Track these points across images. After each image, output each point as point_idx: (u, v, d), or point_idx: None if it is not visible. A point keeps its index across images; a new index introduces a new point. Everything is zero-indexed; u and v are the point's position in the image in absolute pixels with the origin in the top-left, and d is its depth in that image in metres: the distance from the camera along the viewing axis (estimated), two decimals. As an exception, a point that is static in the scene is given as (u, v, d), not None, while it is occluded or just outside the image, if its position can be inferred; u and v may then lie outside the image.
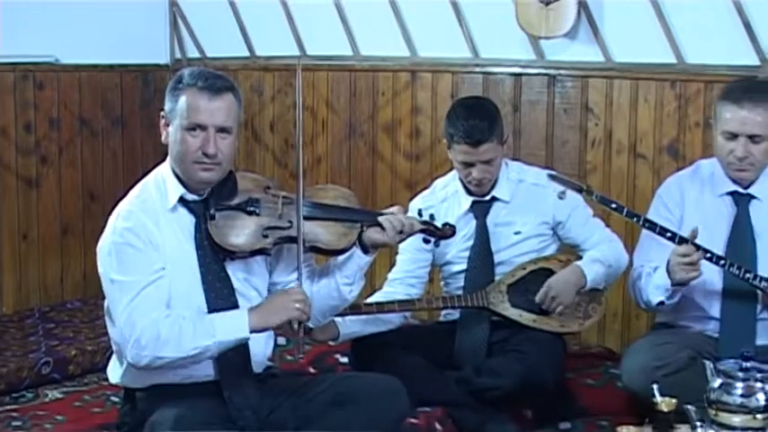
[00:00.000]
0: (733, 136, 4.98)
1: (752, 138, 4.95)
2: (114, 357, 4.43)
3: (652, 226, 4.90)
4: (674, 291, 4.92)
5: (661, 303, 5.00)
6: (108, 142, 7.32)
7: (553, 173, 5.13)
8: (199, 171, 4.26)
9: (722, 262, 4.90)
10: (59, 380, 5.77)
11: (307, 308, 4.24)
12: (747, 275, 4.91)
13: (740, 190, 5.14)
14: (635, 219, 4.92)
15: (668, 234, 4.84)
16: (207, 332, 4.13)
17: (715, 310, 5.13)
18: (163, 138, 4.36)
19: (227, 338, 4.13)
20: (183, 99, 4.24)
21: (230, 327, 4.16)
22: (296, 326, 4.26)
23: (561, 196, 4.95)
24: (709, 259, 4.86)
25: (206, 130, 4.23)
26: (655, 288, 4.99)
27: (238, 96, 4.38)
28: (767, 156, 5.02)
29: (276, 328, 4.35)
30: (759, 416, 3.65)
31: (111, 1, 7.15)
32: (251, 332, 4.17)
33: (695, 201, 5.20)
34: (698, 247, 4.77)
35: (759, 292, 4.98)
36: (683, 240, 4.79)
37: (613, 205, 4.96)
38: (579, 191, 4.97)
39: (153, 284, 4.15)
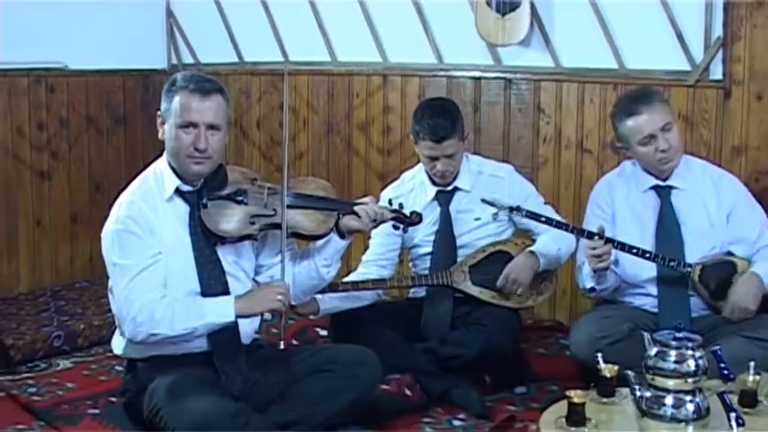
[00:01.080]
0: (652, 137, 5.02)
1: (664, 129, 5.01)
2: (117, 331, 4.45)
3: (578, 231, 5.03)
4: (599, 277, 5.01)
5: (593, 289, 5.11)
6: (112, 139, 7.32)
7: (485, 198, 5.14)
8: (191, 164, 4.31)
9: (634, 251, 4.99)
10: (69, 351, 5.78)
11: (287, 299, 4.30)
12: (671, 263, 5.02)
13: (661, 183, 5.19)
14: (563, 227, 5.05)
15: (585, 233, 4.96)
16: (197, 314, 4.19)
17: (653, 289, 5.18)
18: (160, 134, 4.40)
19: (214, 321, 4.20)
20: (176, 100, 4.29)
21: (218, 311, 4.22)
22: (277, 316, 4.37)
23: (494, 217, 5.11)
24: (636, 254, 4.96)
25: (197, 127, 4.28)
26: (585, 276, 5.10)
27: (227, 97, 4.43)
28: (680, 138, 5.13)
29: (257, 315, 4.40)
30: (690, 379, 3.67)
31: (114, 12, 7.15)
32: (236, 317, 4.23)
33: (624, 198, 5.25)
34: (607, 241, 4.85)
35: (687, 272, 5.06)
36: (591, 236, 4.87)
37: (542, 219, 5.07)
38: (510, 210, 5.05)
39: (150, 268, 4.20)
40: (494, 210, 5.07)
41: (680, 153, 5.14)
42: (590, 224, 5.17)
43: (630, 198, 5.25)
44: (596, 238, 4.85)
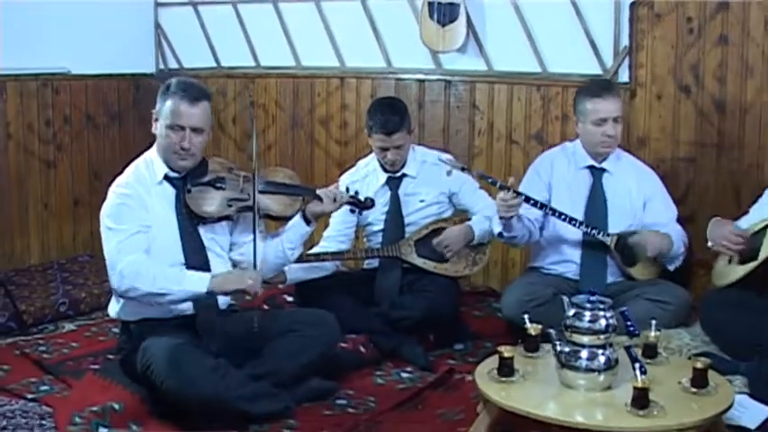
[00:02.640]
0: (603, 121, 5.08)
1: (615, 120, 5.07)
2: (114, 297, 4.46)
3: (500, 186, 4.96)
4: (505, 225, 5.02)
5: (501, 234, 5.14)
6: (108, 133, 7.29)
7: (443, 157, 5.21)
8: (177, 160, 4.36)
9: (574, 222, 5.08)
10: (73, 316, 5.76)
11: (258, 286, 4.32)
12: (593, 230, 5.10)
13: (596, 165, 5.26)
14: (489, 179, 5.08)
15: (498, 185, 4.93)
16: (176, 281, 4.22)
17: (575, 257, 5.24)
18: (153, 129, 4.42)
19: (188, 289, 4.22)
20: (168, 103, 4.33)
21: (194, 282, 4.24)
22: (247, 297, 4.40)
23: (448, 173, 5.06)
24: (534, 205, 5.01)
25: (184, 129, 4.31)
26: (495, 223, 5.11)
27: (211, 102, 4.47)
28: (621, 133, 5.20)
29: (227, 294, 4.43)
30: (602, 336, 3.69)
31: (110, 24, 7.10)
32: (207, 293, 4.25)
33: (562, 172, 5.31)
34: (518, 194, 4.88)
35: (608, 242, 5.10)
36: (503, 188, 4.87)
37: (490, 179, 5.10)
38: (462, 169, 5.08)
39: (139, 233, 4.25)
40: (448, 168, 5.09)
41: (617, 144, 5.21)
42: (525, 185, 5.24)
43: (568, 173, 5.32)
44: (508, 191, 4.87)
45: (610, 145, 5.19)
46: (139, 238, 4.26)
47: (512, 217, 4.94)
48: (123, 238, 4.22)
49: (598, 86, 5.20)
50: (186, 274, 4.27)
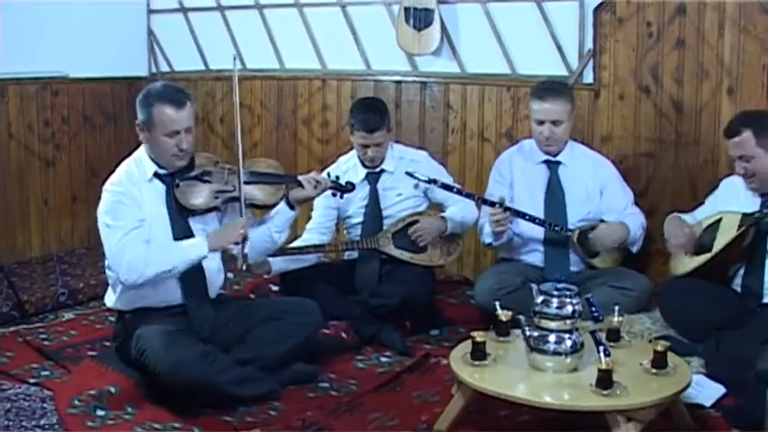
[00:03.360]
0: (541, 122, 5.12)
1: (554, 122, 5.11)
2: (110, 288, 4.47)
3: (481, 200, 5.17)
4: (496, 236, 5.12)
5: (490, 244, 5.27)
6: (104, 133, 7.27)
7: (410, 171, 5.22)
8: (176, 161, 4.36)
9: (536, 220, 5.14)
10: (72, 305, 5.74)
11: (247, 230, 4.34)
12: (555, 228, 5.16)
13: (551, 158, 5.31)
14: (468, 196, 5.17)
15: (489, 202, 5.09)
16: (178, 253, 4.26)
17: (541, 247, 5.26)
18: (140, 138, 4.39)
19: (191, 258, 4.26)
20: (157, 114, 4.29)
21: (195, 249, 4.28)
22: (238, 254, 4.38)
23: (416, 186, 5.24)
24: (529, 220, 5.10)
25: (179, 133, 4.29)
26: (486, 234, 5.21)
27: (193, 101, 4.45)
28: (566, 134, 5.25)
29: (226, 247, 4.42)
30: (568, 321, 3.69)
31: (105, 30, 7.08)
32: (209, 251, 4.29)
33: (521, 168, 5.35)
34: (506, 209, 4.97)
35: (570, 237, 5.14)
36: (494, 204, 4.98)
37: (454, 190, 5.20)
38: (429, 182, 5.14)
39: (137, 229, 4.24)
40: (415, 181, 5.13)
41: (561, 144, 5.26)
42: (492, 188, 5.31)
43: (526, 169, 5.36)
44: (497, 206, 4.95)
45: (549, 144, 5.24)
46: (138, 232, 4.25)
47: (504, 231, 5.05)
48: (122, 234, 4.21)
49: (544, 89, 5.22)
50: (184, 246, 4.30)
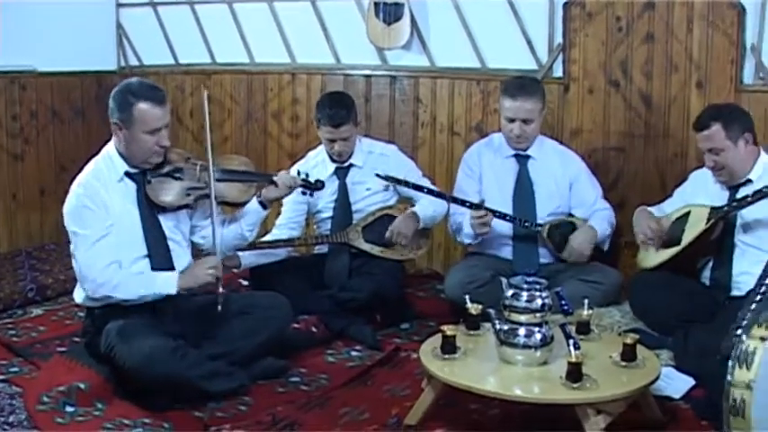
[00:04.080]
0: (511, 120, 5.13)
1: (525, 121, 5.13)
2: (78, 285, 4.43)
3: (455, 201, 5.17)
4: (477, 237, 5.17)
5: (469, 244, 5.27)
6: (72, 128, 7.22)
7: (379, 173, 5.24)
8: (154, 158, 4.34)
9: (507, 217, 5.18)
10: (41, 301, 5.69)
11: (219, 272, 4.34)
12: (526, 224, 5.20)
13: (521, 153, 5.33)
14: (442, 197, 5.17)
15: (467, 204, 5.09)
16: (147, 284, 4.24)
17: (510, 240, 5.28)
18: (116, 136, 4.35)
19: (159, 291, 4.24)
20: (137, 112, 4.26)
21: (164, 285, 4.26)
22: (213, 285, 4.37)
23: (386, 188, 5.31)
24: (500, 217, 5.13)
25: (160, 130, 4.28)
26: (465, 236, 5.23)
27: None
28: (536, 131, 5.27)
29: (195, 287, 4.40)
30: (538, 314, 3.70)
31: (74, 24, 7.04)
32: (177, 291, 4.28)
33: (490, 162, 5.37)
34: (488, 211, 4.98)
35: (540, 232, 5.17)
36: (477, 207, 5.00)
37: (425, 190, 5.20)
38: (398, 183, 5.16)
39: (105, 238, 4.21)
40: (386, 183, 5.16)
41: (531, 141, 5.29)
42: (462, 182, 5.34)
43: (495, 163, 5.38)
44: (481, 209, 4.96)
45: (519, 142, 5.27)
46: (106, 241, 4.22)
47: (487, 233, 5.09)
48: (90, 244, 4.19)
49: (516, 86, 5.22)
50: (155, 277, 4.28)
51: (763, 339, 2.43)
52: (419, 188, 5.19)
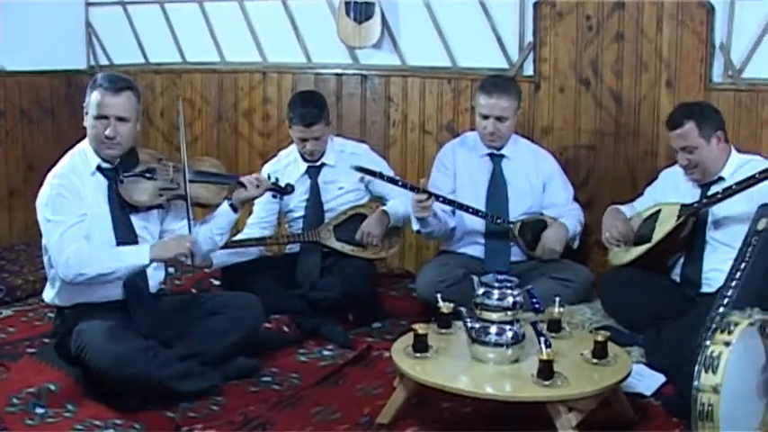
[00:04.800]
0: (485, 117, 5.14)
1: (499, 118, 5.13)
2: (48, 284, 4.42)
3: (406, 185, 5.11)
4: (421, 223, 5.11)
5: (419, 231, 5.23)
6: (41, 127, 7.17)
7: (356, 165, 5.20)
8: (104, 148, 4.32)
9: (479, 213, 5.18)
10: (10, 301, 5.63)
11: (194, 247, 4.33)
12: (498, 221, 5.21)
13: (495, 152, 5.33)
14: (415, 190, 5.04)
15: (408, 186, 5.06)
16: (118, 257, 4.20)
17: (482, 241, 5.28)
18: (84, 122, 4.37)
19: (131, 263, 4.21)
20: (94, 95, 4.28)
21: (136, 256, 4.23)
22: (185, 259, 4.36)
23: (361, 180, 5.30)
24: (472, 213, 5.13)
25: (108, 119, 4.26)
26: (414, 221, 5.17)
27: (137, 93, 4.43)
28: (510, 130, 5.27)
29: (169, 260, 4.39)
30: (509, 313, 3.72)
31: (43, 23, 7.01)
32: (150, 261, 4.24)
33: (464, 161, 5.37)
34: (430, 195, 4.94)
35: (512, 229, 5.18)
36: (414, 189, 4.97)
37: (399, 183, 5.15)
38: (372, 174, 5.13)
39: (77, 224, 4.19)
40: (359, 175, 5.15)
41: (505, 139, 5.30)
42: (435, 179, 5.30)
43: (469, 162, 5.38)
44: (418, 191, 4.94)
45: (493, 140, 5.28)
46: (79, 228, 4.21)
47: (427, 216, 5.01)
48: (63, 229, 4.17)
49: (492, 84, 5.24)
50: (126, 250, 4.27)
51: (726, 344, 2.45)
52: (393, 181, 5.19)
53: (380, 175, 5.15)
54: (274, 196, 5.09)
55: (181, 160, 4.47)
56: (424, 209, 4.97)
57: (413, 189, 4.98)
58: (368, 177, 5.28)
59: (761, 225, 3.71)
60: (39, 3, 7.01)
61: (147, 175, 4.43)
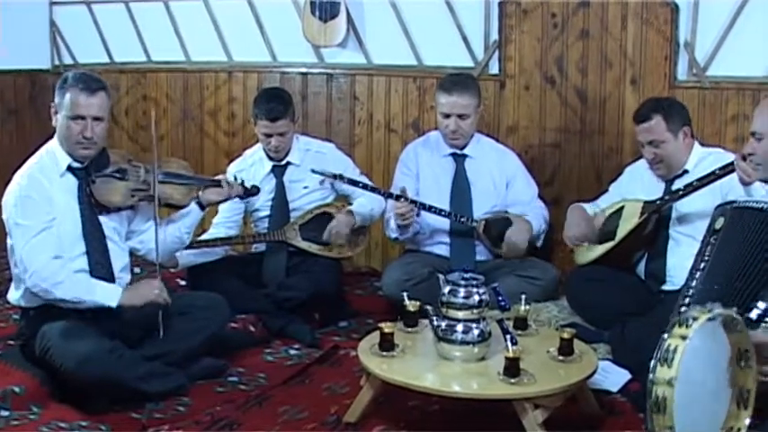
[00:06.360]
0: (447, 115, 5.16)
1: (460, 116, 5.15)
2: (13, 284, 4.38)
3: (387, 194, 5.20)
4: (401, 231, 5.15)
5: (396, 238, 5.27)
6: (5, 127, 7.12)
7: (314, 168, 5.24)
8: (80, 149, 4.28)
9: (443, 213, 5.21)
10: (-27, 303, 5.62)
11: (164, 293, 4.31)
12: (462, 219, 5.22)
13: (458, 151, 5.34)
14: (375, 191, 5.17)
15: (394, 196, 5.09)
16: (88, 290, 4.18)
17: (447, 240, 5.30)
18: (53, 122, 4.33)
19: (99, 301, 4.18)
20: (68, 96, 4.24)
21: (106, 295, 4.21)
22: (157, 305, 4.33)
23: (321, 183, 5.29)
24: (436, 213, 5.15)
25: (85, 119, 4.23)
26: (391, 230, 5.23)
27: (109, 93, 4.40)
28: (472, 128, 5.30)
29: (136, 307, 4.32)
30: (475, 310, 3.73)
31: (7, 22, 6.95)
32: (117, 306, 4.21)
33: (427, 161, 5.38)
34: (411, 202, 4.98)
35: (477, 227, 5.19)
36: (398, 198, 5.00)
37: (360, 185, 5.22)
38: (333, 178, 5.17)
39: (46, 230, 4.15)
40: (321, 177, 5.15)
41: (467, 137, 5.31)
42: (398, 181, 5.33)
43: (432, 162, 5.40)
44: (402, 199, 4.96)
45: (455, 138, 5.30)
46: (48, 234, 4.17)
47: (410, 224, 5.04)
48: (31, 236, 4.13)
49: (451, 82, 5.26)
50: (98, 286, 4.23)
51: (683, 338, 2.47)
52: (354, 183, 5.20)
53: (340, 177, 5.18)
54: (240, 197, 5.09)
55: (149, 161, 4.47)
56: (406, 217, 5.04)
57: (374, 191, 5.06)
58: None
59: (718, 224, 3.74)
60: (2, 2, 6.95)
61: (118, 175, 4.41)
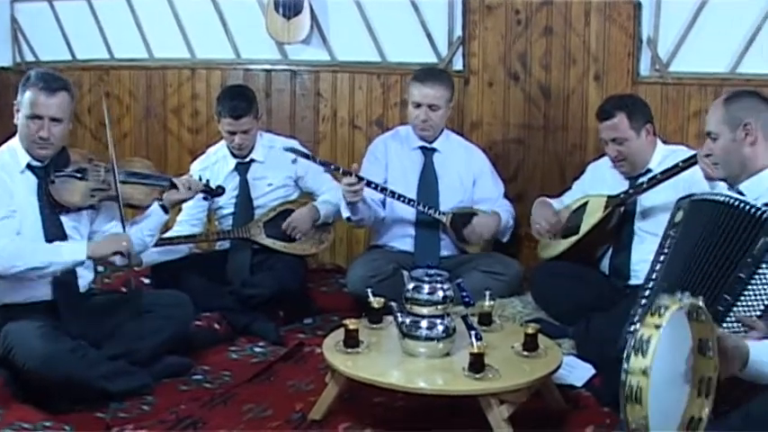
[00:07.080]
0: (418, 105, 5.17)
1: (431, 107, 5.15)
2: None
3: (336, 168, 5.18)
4: (351, 209, 5.10)
5: (349, 219, 5.19)
6: (-34, 125, 7.10)
7: (288, 146, 5.25)
8: (36, 149, 4.25)
9: (411, 202, 5.21)
10: (-68, 302, 5.56)
11: (130, 246, 4.27)
12: (429, 210, 5.23)
13: (426, 145, 5.35)
14: (348, 174, 5.03)
15: (341, 170, 5.07)
16: (54, 252, 4.14)
17: (412, 232, 5.31)
18: (15, 120, 4.30)
19: (68, 260, 4.14)
20: (28, 94, 4.22)
21: (72, 252, 4.16)
22: (120, 258, 4.31)
23: (294, 161, 5.29)
24: (374, 188, 5.13)
25: (42, 119, 4.20)
26: (343, 209, 5.16)
27: (72, 93, 4.37)
28: (442, 121, 5.30)
29: (105, 257, 4.31)
30: (440, 307, 3.73)
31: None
32: (87, 258, 4.18)
33: (396, 153, 5.40)
34: (360, 179, 4.95)
35: (443, 220, 5.20)
36: (346, 173, 4.98)
37: (332, 167, 5.23)
38: (306, 157, 5.16)
39: (8, 218, 4.14)
40: (293, 156, 5.15)
41: (437, 129, 5.33)
42: (366, 169, 5.27)
43: (401, 154, 5.42)
44: (351, 175, 4.94)
45: (425, 129, 5.31)
46: (9, 222, 4.14)
47: (357, 201, 5.00)
48: None
49: (424, 73, 5.31)
50: (62, 246, 4.20)
51: (657, 327, 2.48)
52: (326, 164, 5.25)
53: (312, 158, 5.19)
54: (205, 198, 5.09)
55: (110, 160, 4.44)
56: (354, 193, 4.97)
57: (345, 173, 4.98)
58: (299, 172, 5.32)
59: (678, 217, 3.77)
60: (-38, 0, 6.93)
61: (78, 175, 4.38)
